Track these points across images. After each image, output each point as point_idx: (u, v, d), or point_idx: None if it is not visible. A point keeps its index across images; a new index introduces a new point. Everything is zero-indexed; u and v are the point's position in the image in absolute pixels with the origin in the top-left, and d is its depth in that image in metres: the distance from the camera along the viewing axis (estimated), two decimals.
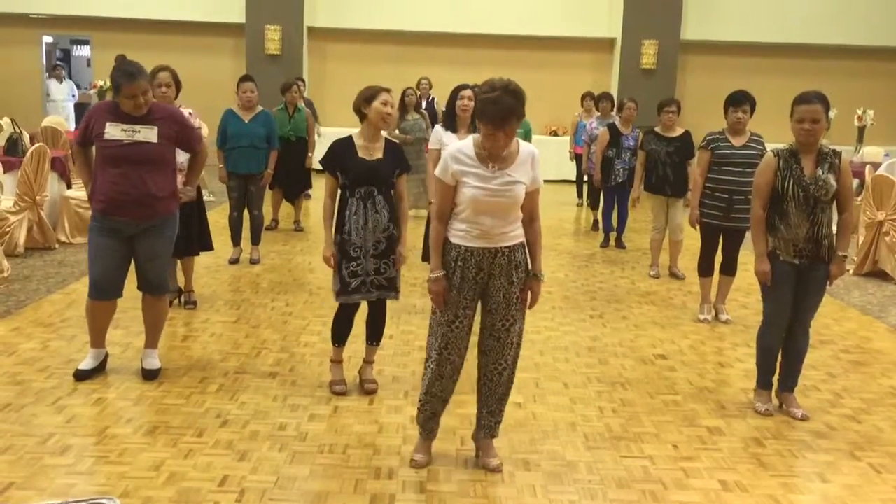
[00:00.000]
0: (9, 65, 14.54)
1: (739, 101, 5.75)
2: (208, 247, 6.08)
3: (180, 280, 6.01)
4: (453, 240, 3.37)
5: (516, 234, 3.39)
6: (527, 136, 7.39)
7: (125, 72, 4.18)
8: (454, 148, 3.39)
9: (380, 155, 4.23)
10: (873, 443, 4.06)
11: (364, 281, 4.25)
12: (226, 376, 4.63)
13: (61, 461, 3.54)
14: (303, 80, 10.86)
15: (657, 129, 7.32)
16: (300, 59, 14.38)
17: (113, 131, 4.23)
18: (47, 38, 15.90)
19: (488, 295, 3.41)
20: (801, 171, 4.13)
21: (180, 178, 5.42)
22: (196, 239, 5.85)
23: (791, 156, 4.18)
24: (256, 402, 4.28)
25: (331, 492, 3.37)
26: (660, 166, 7.20)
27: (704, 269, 6.16)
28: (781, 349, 4.38)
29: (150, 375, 4.54)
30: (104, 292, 4.43)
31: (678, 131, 7.26)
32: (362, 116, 4.22)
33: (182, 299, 6.01)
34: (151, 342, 4.67)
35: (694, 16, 14.68)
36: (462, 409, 4.24)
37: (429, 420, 3.64)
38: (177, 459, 3.59)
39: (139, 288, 4.55)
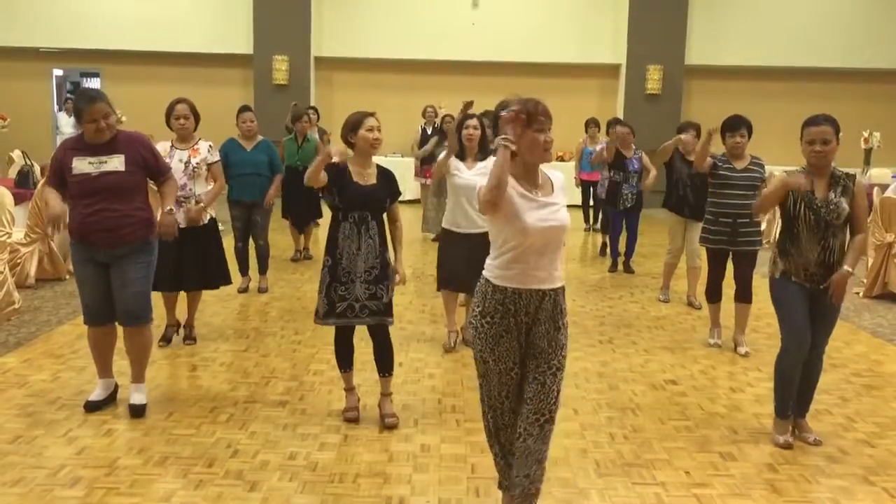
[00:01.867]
0: (20, 98, 14.71)
1: (735, 125, 5.75)
2: (227, 279, 5.90)
3: (181, 313, 5.90)
4: (498, 282, 3.07)
5: (560, 276, 3.14)
6: None
7: (85, 96, 4.21)
8: None
9: (374, 181, 4.24)
10: (887, 467, 4.02)
11: (352, 305, 4.20)
12: (235, 406, 4.62)
13: (72, 493, 3.53)
14: (315, 109, 10.93)
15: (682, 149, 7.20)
16: (308, 89, 14.52)
17: (80, 165, 4.20)
18: (57, 72, 16.10)
19: (530, 341, 3.12)
20: (813, 195, 4.10)
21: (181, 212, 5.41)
22: (210, 272, 5.73)
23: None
24: (266, 431, 4.27)
25: None
26: (681, 186, 7.13)
27: (712, 295, 6.11)
28: None
29: (136, 412, 4.42)
30: (97, 317, 4.43)
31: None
32: (350, 146, 4.24)
33: (182, 334, 5.88)
34: (136, 376, 4.55)
35: (698, 41, 14.79)
36: (472, 436, 4.23)
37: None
38: (187, 490, 3.58)
39: (116, 319, 4.46)
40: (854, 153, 12.37)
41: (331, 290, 4.22)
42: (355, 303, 4.21)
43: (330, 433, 4.24)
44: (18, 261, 7.24)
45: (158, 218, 4.50)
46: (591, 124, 11.22)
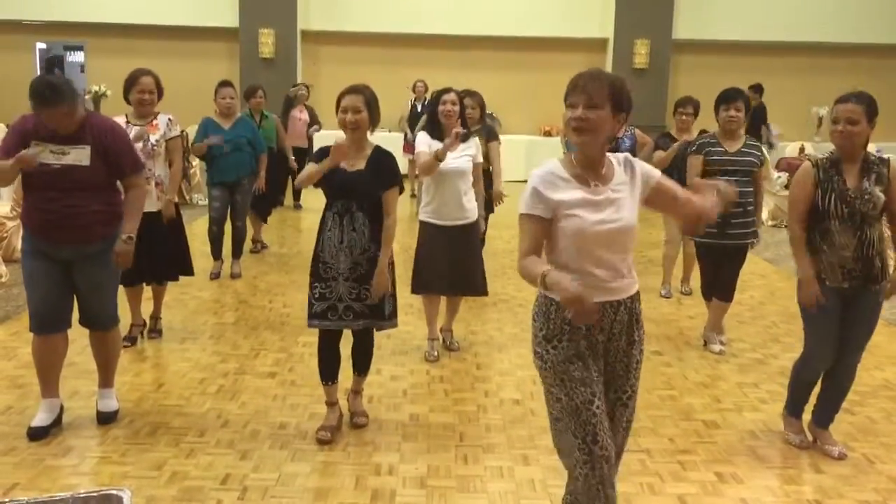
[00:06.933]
0: (2, 71, 14.54)
1: (731, 98, 5.14)
2: (188, 271, 5.42)
3: (146, 310, 5.39)
4: None
5: (634, 280, 2.68)
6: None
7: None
8: (541, 174, 2.59)
9: (362, 166, 3.77)
10: (867, 434, 4.11)
11: (334, 306, 3.78)
12: (225, 377, 4.66)
13: (64, 462, 3.58)
14: (306, 86, 10.63)
15: (671, 131, 6.63)
16: (294, 63, 14.42)
17: (40, 152, 3.59)
18: (41, 45, 15.91)
19: (604, 361, 2.68)
20: (844, 184, 3.61)
21: (157, 192, 5.00)
22: (171, 263, 5.27)
23: (832, 166, 3.65)
24: (256, 402, 4.31)
25: (332, 488, 3.40)
26: (675, 173, 5.45)
27: (709, 294, 5.49)
28: (821, 380, 3.92)
29: (105, 419, 3.99)
30: (47, 325, 3.80)
31: (694, 134, 6.22)
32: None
33: (146, 327, 5.37)
34: (105, 381, 4.08)
35: (685, 15, 14.76)
36: (459, 406, 4.29)
37: None
38: (179, 459, 3.63)
39: (81, 322, 3.97)
40: None
41: (313, 288, 3.83)
42: (339, 303, 3.78)
43: (319, 403, 4.24)
44: (4, 234, 7.21)
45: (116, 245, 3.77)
46: None
